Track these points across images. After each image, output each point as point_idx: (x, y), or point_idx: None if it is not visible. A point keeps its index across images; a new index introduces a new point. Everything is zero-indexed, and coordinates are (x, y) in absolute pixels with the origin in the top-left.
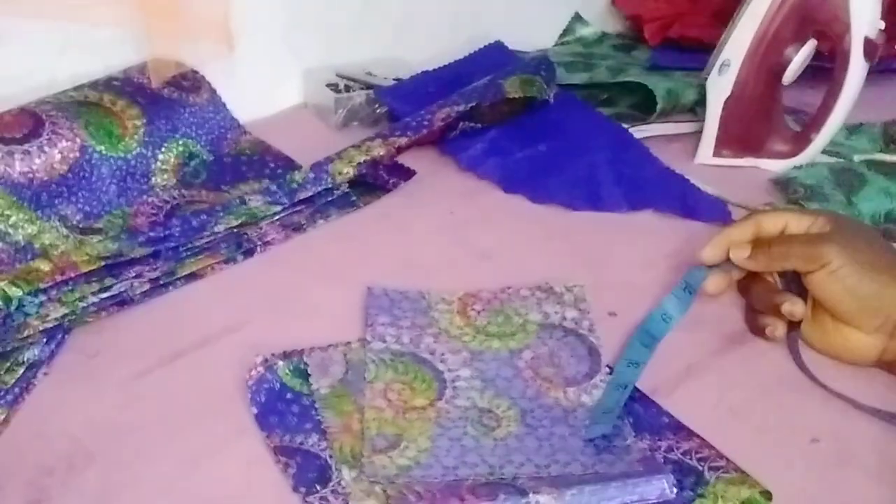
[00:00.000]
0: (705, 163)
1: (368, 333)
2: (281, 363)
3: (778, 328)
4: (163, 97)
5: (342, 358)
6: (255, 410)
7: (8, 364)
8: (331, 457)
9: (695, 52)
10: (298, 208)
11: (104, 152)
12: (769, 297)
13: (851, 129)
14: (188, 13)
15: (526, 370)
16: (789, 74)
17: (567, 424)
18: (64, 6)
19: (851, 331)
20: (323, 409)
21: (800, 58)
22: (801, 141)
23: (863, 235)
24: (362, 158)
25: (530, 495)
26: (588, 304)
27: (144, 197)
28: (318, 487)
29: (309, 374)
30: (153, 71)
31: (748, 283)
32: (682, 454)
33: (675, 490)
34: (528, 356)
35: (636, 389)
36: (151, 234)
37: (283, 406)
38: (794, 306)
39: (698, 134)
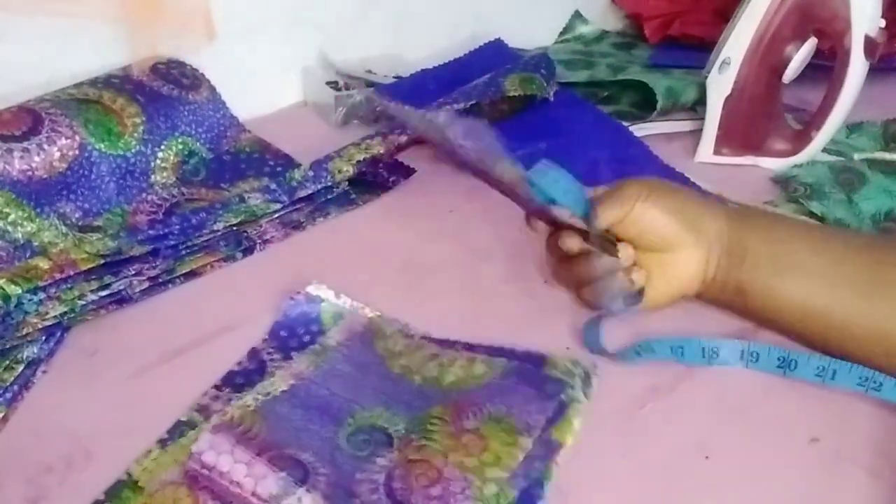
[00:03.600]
0: (705, 161)
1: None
2: None
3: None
4: (162, 95)
5: None
6: None
7: (7, 362)
8: None
9: (695, 51)
10: (298, 206)
11: (103, 150)
12: (602, 270)
13: (852, 127)
14: (168, 4)
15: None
16: (790, 73)
17: None
18: (48, 1)
19: (677, 254)
20: None
21: (800, 56)
22: (801, 139)
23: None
24: (362, 156)
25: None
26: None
27: (144, 195)
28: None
29: None
30: (136, 63)
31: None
32: None
33: None
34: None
35: None
36: (151, 232)
37: None
38: (638, 273)
39: (698, 132)
